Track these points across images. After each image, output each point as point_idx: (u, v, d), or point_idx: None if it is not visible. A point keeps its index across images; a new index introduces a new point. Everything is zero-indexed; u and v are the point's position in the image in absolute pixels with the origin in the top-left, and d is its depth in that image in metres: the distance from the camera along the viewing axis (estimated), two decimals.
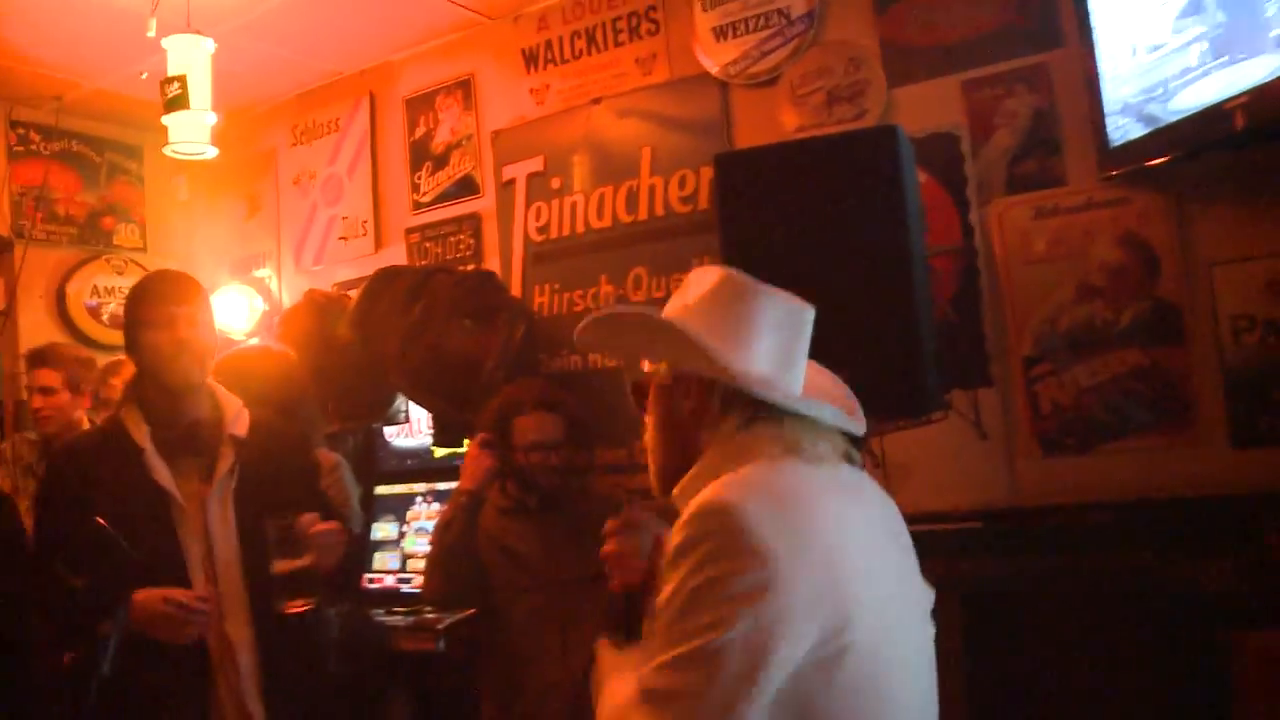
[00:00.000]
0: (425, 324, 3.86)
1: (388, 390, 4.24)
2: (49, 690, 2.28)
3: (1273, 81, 2.33)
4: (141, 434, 2.59)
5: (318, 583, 2.49)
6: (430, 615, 3.72)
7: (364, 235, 4.93)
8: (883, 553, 1.44)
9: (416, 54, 4.77)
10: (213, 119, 3.95)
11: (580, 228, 4.14)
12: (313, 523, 2.51)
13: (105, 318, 5.15)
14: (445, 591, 3.11)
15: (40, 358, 3.98)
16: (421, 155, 4.74)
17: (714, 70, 3.84)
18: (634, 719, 1.31)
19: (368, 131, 4.94)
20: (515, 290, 4.25)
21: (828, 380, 1.60)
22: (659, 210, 3.92)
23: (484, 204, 4.51)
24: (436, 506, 4.27)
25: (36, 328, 4.92)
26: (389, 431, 4.67)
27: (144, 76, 4.18)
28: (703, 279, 1.55)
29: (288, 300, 5.06)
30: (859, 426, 1.52)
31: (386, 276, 4.08)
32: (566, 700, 2.81)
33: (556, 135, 4.25)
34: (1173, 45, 2.66)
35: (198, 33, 3.86)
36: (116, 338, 3.48)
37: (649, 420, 1.59)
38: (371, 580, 4.19)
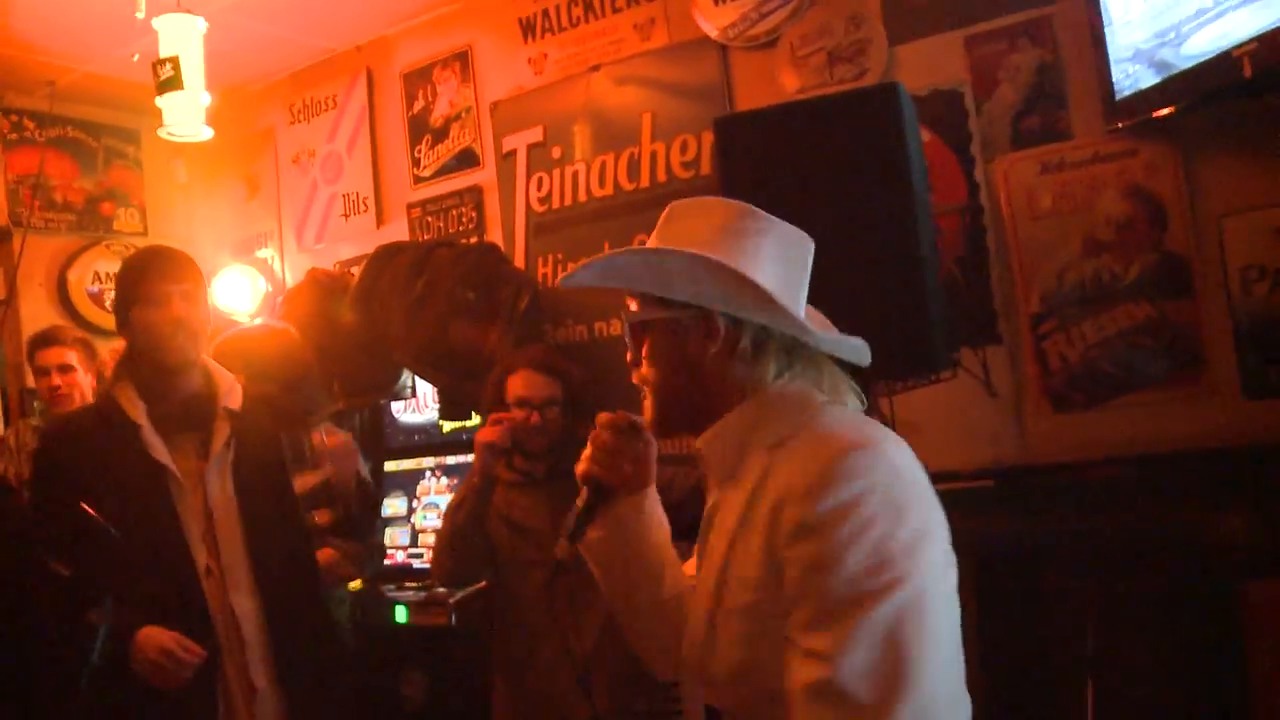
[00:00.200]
0: (428, 299, 3.85)
1: (393, 366, 4.22)
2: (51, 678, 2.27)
3: None
4: (137, 411, 2.58)
5: (334, 494, 2.50)
6: (441, 590, 3.73)
7: (365, 212, 4.91)
8: None
9: (412, 27, 4.73)
10: (207, 99, 3.92)
11: (582, 197, 4.11)
12: (325, 438, 2.52)
13: (108, 304, 5.10)
14: (453, 572, 3.11)
15: (48, 339, 3.96)
16: (420, 129, 4.71)
17: (713, 34, 3.80)
18: (859, 688, 1.20)
19: (366, 107, 4.91)
20: (518, 262, 4.23)
21: (820, 321, 1.56)
22: (661, 177, 3.90)
23: (485, 176, 4.48)
24: (445, 481, 4.28)
25: (38, 316, 4.90)
26: (396, 407, 4.66)
27: (136, 59, 4.15)
28: (700, 211, 1.51)
29: (291, 280, 5.05)
30: (868, 357, 1.52)
31: (388, 253, 4.06)
32: (577, 672, 2.80)
33: (556, 104, 4.22)
34: None
35: (188, 12, 3.83)
36: None
37: (652, 359, 1.51)
38: (383, 556, 4.18)
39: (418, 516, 4.31)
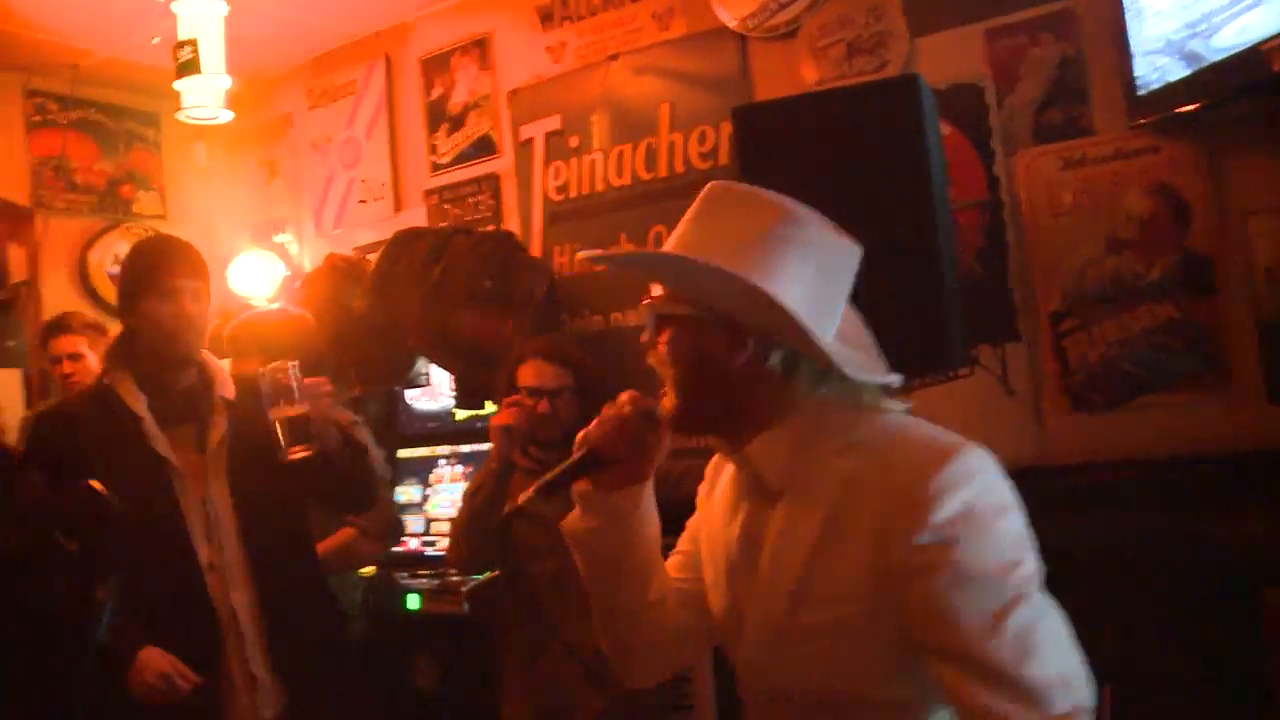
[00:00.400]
0: (445, 286, 3.84)
1: (408, 353, 4.22)
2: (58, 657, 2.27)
3: None
4: (138, 403, 2.57)
5: (313, 430, 2.49)
6: (454, 578, 3.73)
7: (383, 198, 4.90)
8: None
9: (432, 14, 4.71)
10: (226, 83, 3.92)
11: (600, 186, 4.09)
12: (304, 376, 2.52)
13: None
14: (469, 559, 3.11)
15: (60, 326, 3.98)
16: (439, 116, 4.69)
17: (732, 24, 3.77)
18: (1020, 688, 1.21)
19: (384, 94, 4.90)
20: (535, 250, 4.21)
21: (854, 325, 1.51)
22: (679, 167, 3.87)
23: (502, 164, 4.47)
24: (459, 469, 4.28)
25: (60, 297, 4.92)
26: (410, 395, 4.65)
27: (156, 41, 4.15)
28: (742, 208, 1.43)
29: (309, 264, 5.04)
30: (896, 376, 1.46)
31: (405, 239, 4.06)
32: (588, 662, 2.80)
33: (574, 93, 4.19)
34: None
35: None
36: None
37: (673, 352, 1.46)
38: (401, 531, 4.16)
39: (431, 504, 4.31)
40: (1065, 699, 1.19)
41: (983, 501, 1.26)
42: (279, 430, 2.47)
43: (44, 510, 2.37)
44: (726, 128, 3.65)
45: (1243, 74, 2.48)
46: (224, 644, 2.52)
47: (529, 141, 4.32)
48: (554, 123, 4.24)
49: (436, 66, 4.69)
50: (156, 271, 2.60)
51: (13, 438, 3.81)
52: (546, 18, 4.32)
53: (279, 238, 5.32)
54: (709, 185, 1.48)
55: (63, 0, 4.29)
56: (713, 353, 1.41)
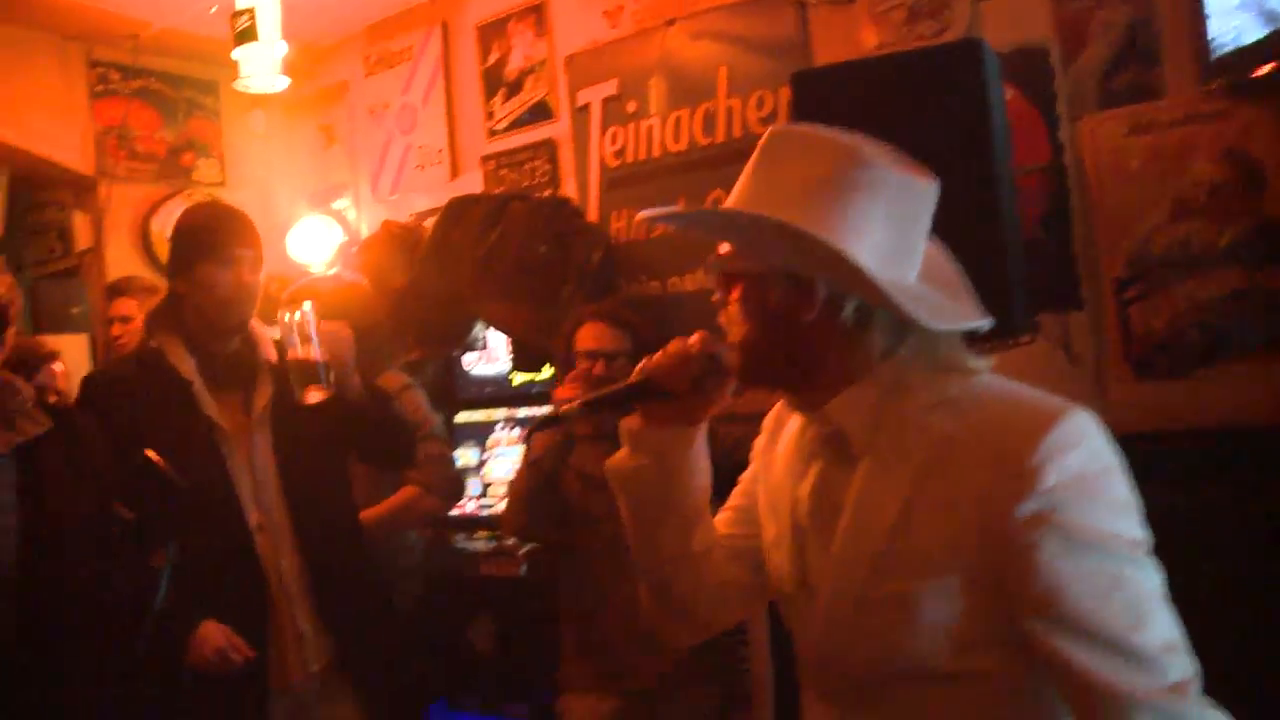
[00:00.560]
0: (501, 251, 3.86)
1: (465, 318, 4.25)
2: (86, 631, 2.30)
3: None
4: (188, 367, 2.61)
5: (327, 375, 2.52)
6: (512, 541, 3.77)
7: (440, 164, 4.91)
8: None
9: None
10: (283, 50, 3.95)
11: (656, 151, 4.07)
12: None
13: None
14: (527, 527, 3.13)
15: (117, 289, 4.09)
16: (495, 82, 4.69)
17: None
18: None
19: (441, 60, 4.90)
20: (592, 216, 4.21)
21: (938, 263, 1.44)
22: (736, 132, 3.84)
23: (559, 129, 4.45)
24: (516, 433, 4.31)
25: (123, 264, 5.00)
26: (467, 359, 4.69)
27: (213, 10, 4.19)
28: (803, 152, 1.36)
29: (366, 230, 5.08)
30: (986, 320, 1.39)
31: (462, 205, 4.07)
32: (644, 628, 2.81)
33: (631, 58, 4.16)
34: None
35: None
36: None
37: (744, 308, 1.40)
38: (462, 489, 4.18)
39: (488, 468, 4.35)
40: (1178, 668, 1.17)
41: (1091, 466, 1.22)
42: (290, 373, 2.51)
43: (106, 480, 2.41)
44: (785, 93, 3.61)
45: None
46: (273, 603, 2.57)
47: (586, 107, 4.30)
48: (611, 88, 4.21)
49: (493, 32, 4.68)
50: (216, 238, 2.63)
51: None
52: None
53: (337, 204, 5.36)
54: (769, 131, 1.42)
55: None
56: (782, 308, 1.35)
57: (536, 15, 4.52)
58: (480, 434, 4.44)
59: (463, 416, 4.55)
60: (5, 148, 4.76)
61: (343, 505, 2.88)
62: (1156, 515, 1.25)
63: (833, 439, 1.40)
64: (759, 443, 1.64)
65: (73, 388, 4.08)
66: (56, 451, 2.31)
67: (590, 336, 3.09)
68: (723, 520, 1.65)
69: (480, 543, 3.94)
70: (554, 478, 3.02)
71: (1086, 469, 1.22)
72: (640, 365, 1.49)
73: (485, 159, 4.71)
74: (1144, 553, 1.22)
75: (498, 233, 3.87)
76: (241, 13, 3.82)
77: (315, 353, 2.50)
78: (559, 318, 3.43)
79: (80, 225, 5.12)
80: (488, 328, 4.31)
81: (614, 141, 4.20)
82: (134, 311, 3.97)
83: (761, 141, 1.41)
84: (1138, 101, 3.06)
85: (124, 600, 2.33)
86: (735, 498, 1.68)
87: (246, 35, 3.83)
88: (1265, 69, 2.66)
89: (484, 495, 4.28)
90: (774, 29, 3.76)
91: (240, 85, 4.05)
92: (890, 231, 1.33)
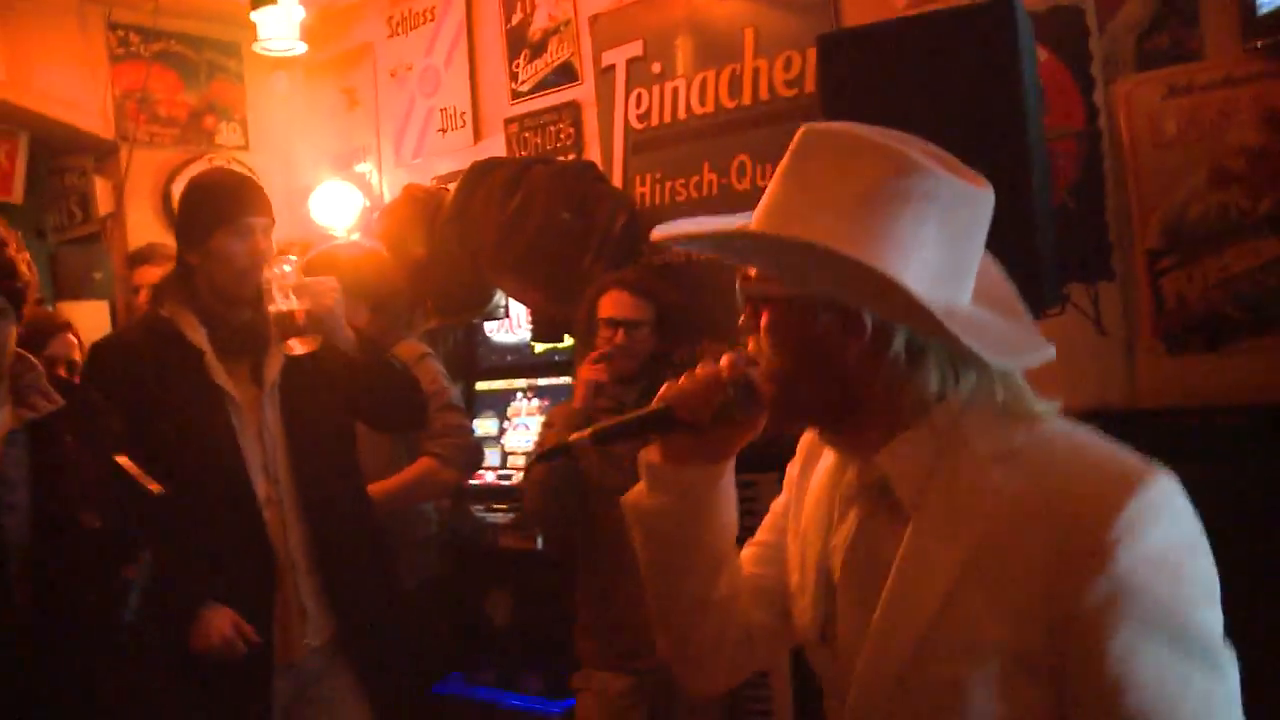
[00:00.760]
0: (523, 216, 3.81)
1: (486, 285, 4.21)
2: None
3: None
4: (200, 336, 2.60)
5: (307, 327, 2.51)
6: None
7: (463, 127, 4.86)
8: None
9: None
10: (300, 14, 3.91)
11: (682, 114, 3.99)
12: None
13: None
14: (544, 511, 3.09)
15: (142, 257, 4.11)
16: (519, 43, 4.62)
17: None
18: None
19: (464, 21, 4.83)
20: (616, 180, 4.14)
21: (995, 282, 1.29)
22: (763, 94, 3.75)
23: (583, 91, 4.38)
24: (536, 402, 4.28)
25: (144, 228, 4.99)
26: (488, 327, 4.64)
27: None
28: (841, 161, 1.19)
29: (389, 194, 5.04)
30: (1049, 350, 1.23)
31: (483, 169, 4.02)
32: None
33: (656, 18, 4.08)
34: None
35: None
36: None
37: (774, 338, 1.25)
38: (480, 458, 4.15)
39: (508, 437, 4.32)
40: None
41: (1175, 544, 1.09)
42: (273, 326, 2.52)
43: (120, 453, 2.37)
44: (813, 54, 3.51)
45: None
46: (279, 577, 2.56)
47: (610, 68, 4.23)
48: (636, 48, 4.13)
49: None
50: (233, 207, 2.61)
51: None
52: None
53: (359, 167, 5.33)
54: (802, 130, 1.24)
55: None
56: (822, 338, 1.20)
57: None
58: (500, 403, 4.41)
59: (483, 385, 4.52)
60: (25, 112, 4.73)
61: (351, 479, 2.86)
62: (1190, 488, 1.17)
63: (875, 487, 1.26)
64: (792, 469, 1.49)
65: None
66: (69, 428, 2.29)
67: (612, 304, 3.05)
68: (748, 557, 1.52)
69: (498, 514, 3.91)
70: (572, 463, 2.98)
71: (1169, 547, 1.09)
72: (662, 390, 1.36)
73: (508, 121, 4.65)
74: (1224, 651, 1.10)
75: (520, 198, 3.82)
76: None
77: (295, 305, 2.49)
78: (581, 286, 3.38)
79: (101, 190, 5.09)
80: (508, 296, 4.27)
81: (639, 104, 4.12)
82: (157, 280, 3.97)
83: (793, 144, 1.24)
84: (1176, 63, 2.96)
85: (86, 613, 2.23)
86: (763, 532, 1.54)
87: None
88: None
89: (503, 466, 4.25)
90: None
91: (259, 48, 4.01)
92: (943, 249, 1.17)
